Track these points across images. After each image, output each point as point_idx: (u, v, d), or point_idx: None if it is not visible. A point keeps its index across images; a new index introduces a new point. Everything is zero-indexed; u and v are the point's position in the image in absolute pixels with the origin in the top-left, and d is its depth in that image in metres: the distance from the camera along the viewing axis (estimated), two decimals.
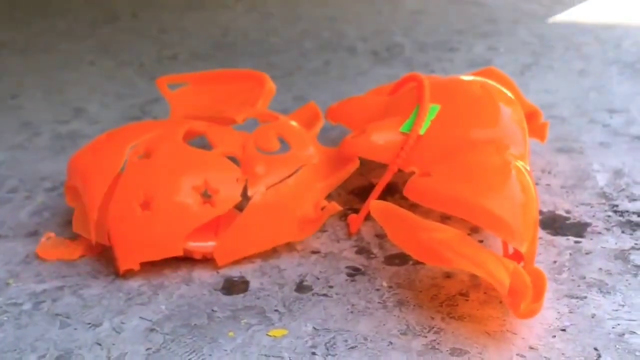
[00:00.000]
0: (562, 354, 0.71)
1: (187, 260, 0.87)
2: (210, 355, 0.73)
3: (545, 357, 0.71)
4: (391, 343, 0.74)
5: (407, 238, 0.81)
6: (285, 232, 0.88)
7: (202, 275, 0.86)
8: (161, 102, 1.28)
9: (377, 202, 0.82)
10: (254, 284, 0.85)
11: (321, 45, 1.68)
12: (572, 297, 0.78)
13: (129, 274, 0.86)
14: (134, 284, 0.85)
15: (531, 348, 0.72)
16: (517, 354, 0.72)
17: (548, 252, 0.86)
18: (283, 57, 1.63)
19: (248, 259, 0.88)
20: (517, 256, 0.78)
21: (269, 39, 1.74)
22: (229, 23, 1.87)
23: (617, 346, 0.72)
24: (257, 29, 1.80)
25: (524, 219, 0.77)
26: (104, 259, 0.90)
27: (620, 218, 0.93)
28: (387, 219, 0.82)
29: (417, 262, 0.85)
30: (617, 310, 0.76)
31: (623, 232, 0.90)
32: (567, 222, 0.93)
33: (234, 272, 0.87)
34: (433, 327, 0.76)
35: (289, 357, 0.73)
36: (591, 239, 0.89)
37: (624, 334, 0.74)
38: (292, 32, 1.78)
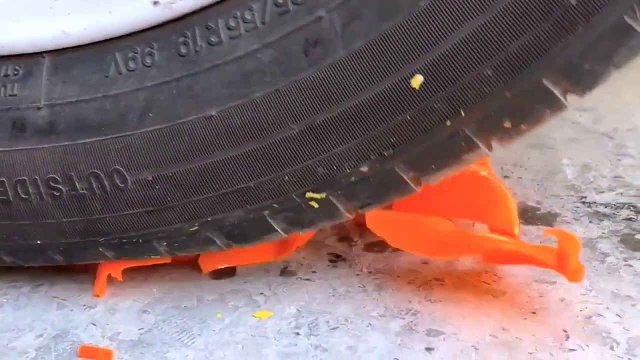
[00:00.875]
0: (533, 335, 0.73)
1: None
2: (199, 335, 0.75)
3: (516, 337, 0.73)
4: (370, 324, 0.76)
5: (411, 238, 0.81)
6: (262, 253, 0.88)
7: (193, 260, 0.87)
8: None
9: (372, 214, 0.80)
10: (240, 269, 0.87)
11: None
12: (542, 282, 0.80)
13: None
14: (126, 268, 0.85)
15: (503, 329, 0.74)
16: (490, 335, 0.74)
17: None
18: None
19: None
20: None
21: None
22: None
23: (584, 328, 0.74)
24: None
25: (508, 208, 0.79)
26: None
27: (588, 209, 0.95)
28: (385, 226, 0.81)
29: (395, 249, 0.87)
30: (585, 294, 0.78)
31: (591, 222, 0.92)
32: (538, 212, 0.95)
33: None
34: (410, 310, 0.78)
35: (274, 337, 0.74)
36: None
37: (591, 317, 0.75)
38: None
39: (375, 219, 0.79)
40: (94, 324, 0.77)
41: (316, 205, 0.73)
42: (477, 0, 0.61)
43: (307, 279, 0.84)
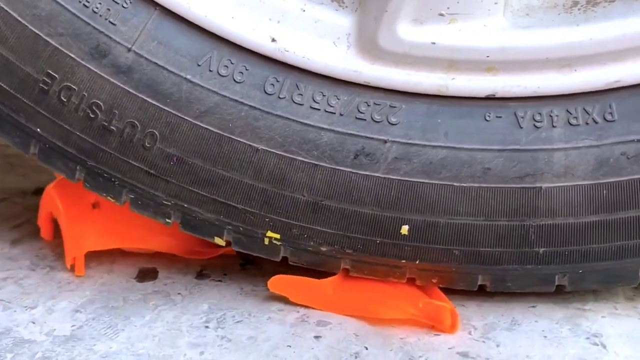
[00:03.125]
0: (405, 323, 0.80)
1: (110, 255, 0.91)
2: (123, 330, 0.78)
3: (391, 326, 0.79)
4: (270, 317, 0.81)
5: (312, 297, 0.83)
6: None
7: (121, 266, 0.91)
8: None
9: (273, 280, 0.83)
10: (162, 273, 0.90)
11: None
12: None
13: (61, 267, 0.90)
14: (64, 274, 0.89)
15: (381, 320, 0.80)
16: (370, 324, 0.79)
17: None
18: None
19: (160, 252, 0.93)
20: None
21: None
22: None
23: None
24: None
25: None
26: (41, 255, 0.94)
27: None
28: (287, 289, 0.84)
29: None
30: (453, 290, 0.82)
31: None
32: None
33: (148, 263, 0.92)
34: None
35: (187, 330, 0.78)
36: None
37: (456, 307, 0.80)
38: None
39: (276, 282, 0.83)
40: (34, 322, 0.79)
41: (267, 243, 0.79)
42: None
43: (219, 281, 0.88)
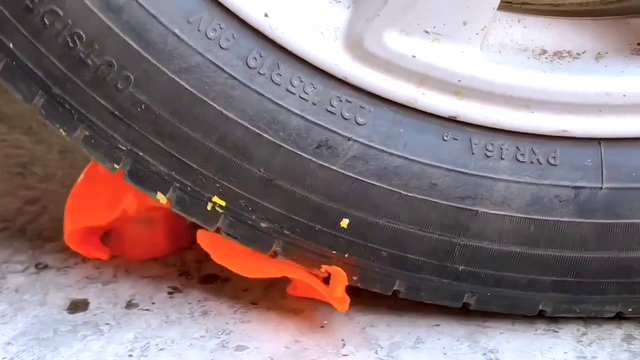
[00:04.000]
0: (318, 344, 0.82)
1: (43, 286, 0.94)
2: None
3: (304, 347, 0.81)
4: (191, 344, 0.81)
5: (232, 259, 0.85)
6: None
7: (54, 298, 0.91)
8: (43, 161, 1.32)
9: (203, 232, 0.84)
10: (93, 304, 0.90)
11: None
12: None
13: None
14: None
15: (296, 341, 0.82)
16: (285, 346, 0.81)
17: None
18: None
19: (92, 282, 0.95)
20: None
21: None
22: None
23: (359, 336, 0.84)
24: None
25: None
26: None
27: None
28: (211, 244, 0.85)
29: (224, 280, 0.92)
30: (364, 309, 0.87)
31: None
32: None
33: (80, 294, 0.93)
34: (226, 330, 0.84)
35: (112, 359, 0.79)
36: None
37: (366, 327, 0.85)
38: None
39: (205, 236, 0.84)
40: None
41: (209, 208, 0.80)
42: None
43: (147, 309, 0.88)
